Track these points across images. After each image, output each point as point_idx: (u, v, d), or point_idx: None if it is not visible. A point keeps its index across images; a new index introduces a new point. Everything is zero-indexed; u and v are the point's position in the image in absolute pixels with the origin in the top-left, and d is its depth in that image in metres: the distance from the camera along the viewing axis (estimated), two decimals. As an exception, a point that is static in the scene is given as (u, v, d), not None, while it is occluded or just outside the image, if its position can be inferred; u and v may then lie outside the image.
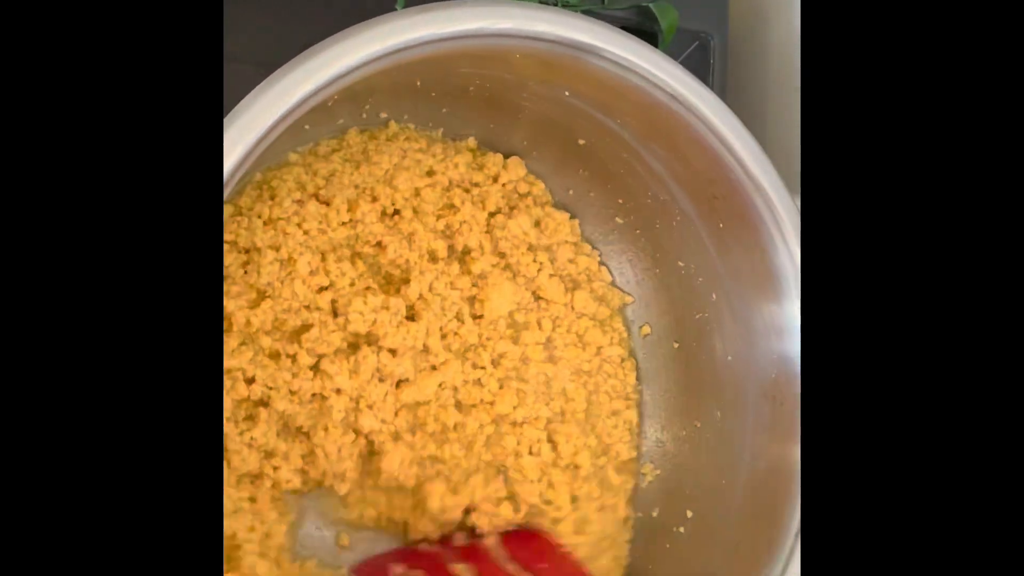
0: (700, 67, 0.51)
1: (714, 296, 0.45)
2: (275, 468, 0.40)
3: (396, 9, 0.39)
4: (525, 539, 0.44)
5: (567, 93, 0.41)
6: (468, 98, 0.43)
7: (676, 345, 0.48)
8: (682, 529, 0.46)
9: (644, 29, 0.49)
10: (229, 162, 0.30)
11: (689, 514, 0.46)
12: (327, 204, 0.42)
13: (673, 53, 0.39)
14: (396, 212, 0.44)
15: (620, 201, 0.47)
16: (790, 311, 0.41)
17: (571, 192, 0.48)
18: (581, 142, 0.45)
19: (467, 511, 0.44)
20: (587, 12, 0.46)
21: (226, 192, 0.30)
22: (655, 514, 0.47)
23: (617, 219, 0.48)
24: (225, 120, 0.31)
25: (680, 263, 0.46)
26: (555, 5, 0.46)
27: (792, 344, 0.41)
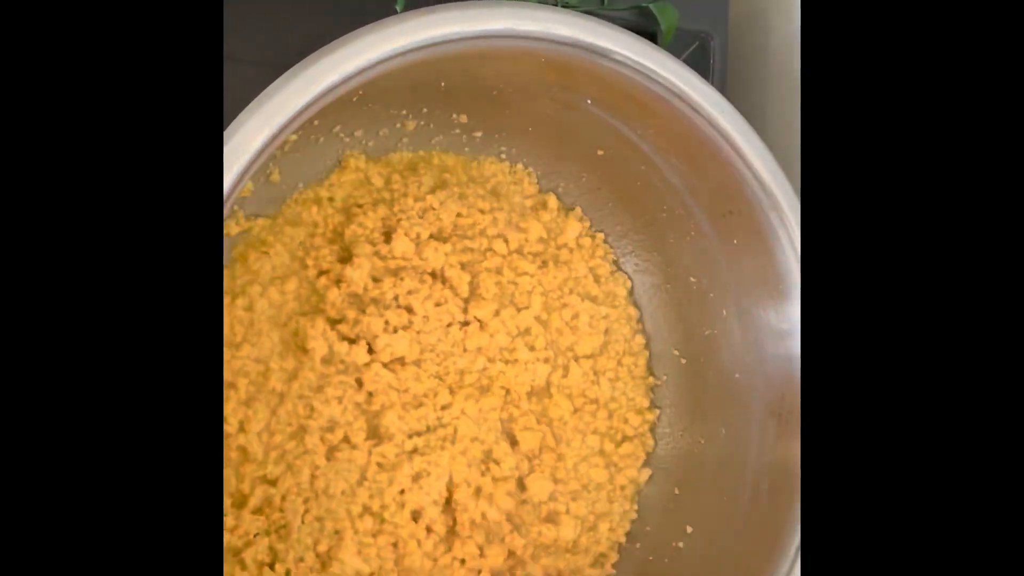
0: (700, 67, 0.51)
1: (724, 312, 0.45)
2: None
3: (396, 11, 0.39)
4: None
5: (589, 101, 0.41)
6: (490, 102, 0.43)
7: (684, 361, 0.48)
8: (681, 544, 0.46)
9: (644, 29, 0.49)
10: (255, 144, 0.31)
11: (689, 530, 0.46)
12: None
13: (673, 53, 0.39)
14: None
15: (635, 215, 0.47)
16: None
17: (586, 204, 0.48)
18: (600, 152, 0.45)
19: None
20: (587, 13, 0.46)
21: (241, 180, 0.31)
22: (654, 528, 0.47)
23: (632, 233, 0.48)
24: (242, 113, 0.31)
25: (692, 278, 0.46)
26: (555, 5, 0.46)
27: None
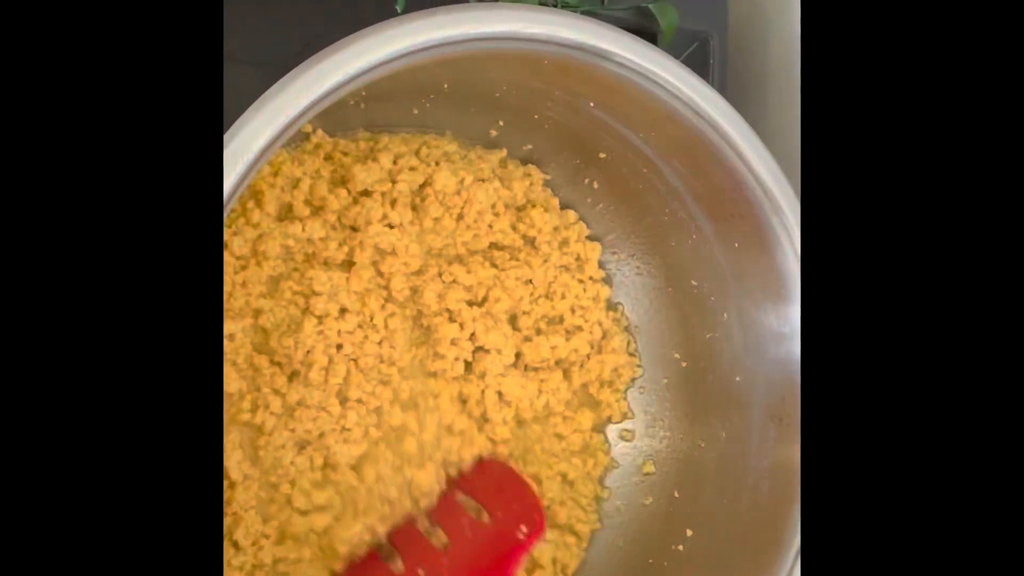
0: (700, 67, 0.51)
1: (725, 316, 0.45)
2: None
3: (397, 11, 0.39)
4: (481, 470, 0.45)
5: (591, 104, 0.40)
6: (493, 104, 0.42)
7: (684, 364, 0.48)
8: (681, 548, 0.46)
9: (644, 29, 0.49)
10: (256, 145, 0.30)
11: (689, 533, 0.45)
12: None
13: (673, 53, 0.38)
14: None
15: (637, 217, 0.47)
16: (803, 333, 0.41)
17: (588, 206, 0.48)
18: (602, 155, 0.44)
19: None
20: (587, 13, 0.46)
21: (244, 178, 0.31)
22: (654, 531, 0.47)
23: (633, 236, 0.48)
24: (244, 115, 0.31)
25: (693, 282, 0.46)
26: (554, 6, 0.46)
27: (802, 366, 0.41)
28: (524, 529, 0.43)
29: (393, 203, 0.42)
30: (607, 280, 0.49)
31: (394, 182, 0.42)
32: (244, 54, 0.40)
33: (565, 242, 0.48)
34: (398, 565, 0.42)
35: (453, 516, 0.43)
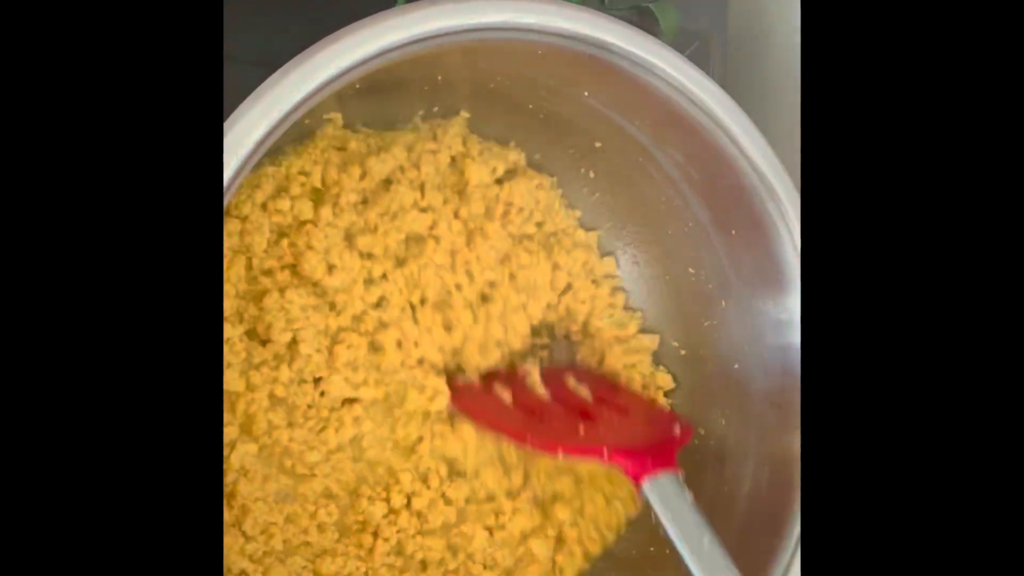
0: (700, 67, 0.51)
1: (723, 303, 0.45)
2: None
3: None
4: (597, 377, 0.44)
5: (586, 93, 0.41)
6: (488, 95, 0.43)
7: (683, 352, 0.48)
8: (681, 535, 0.45)
9: (644, 30, 0.49)
10: (252, 137, 0.31)
11: (690, 520, 0.45)
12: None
13: (672, 54, 0.39)
14: None
15: (633, 206, 0.47)
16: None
17: (584, 196, 0.48)
18: (597, 144, 0.45)
19: None
20: (586, 11, 0.46)
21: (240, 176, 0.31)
22: (655, 519, 0.47)
23: (630, 225, 0.48)
24: (240, 107, 0.31)
25: (691, 270, 0.46)
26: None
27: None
28: (678, 428, 0.42)
29: (422, 188, 0.42)
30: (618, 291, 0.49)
31: (417, 168, 0.42)
32: (244, 54, 0.40)
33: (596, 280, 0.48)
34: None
35: (559, 384, 0.43)
